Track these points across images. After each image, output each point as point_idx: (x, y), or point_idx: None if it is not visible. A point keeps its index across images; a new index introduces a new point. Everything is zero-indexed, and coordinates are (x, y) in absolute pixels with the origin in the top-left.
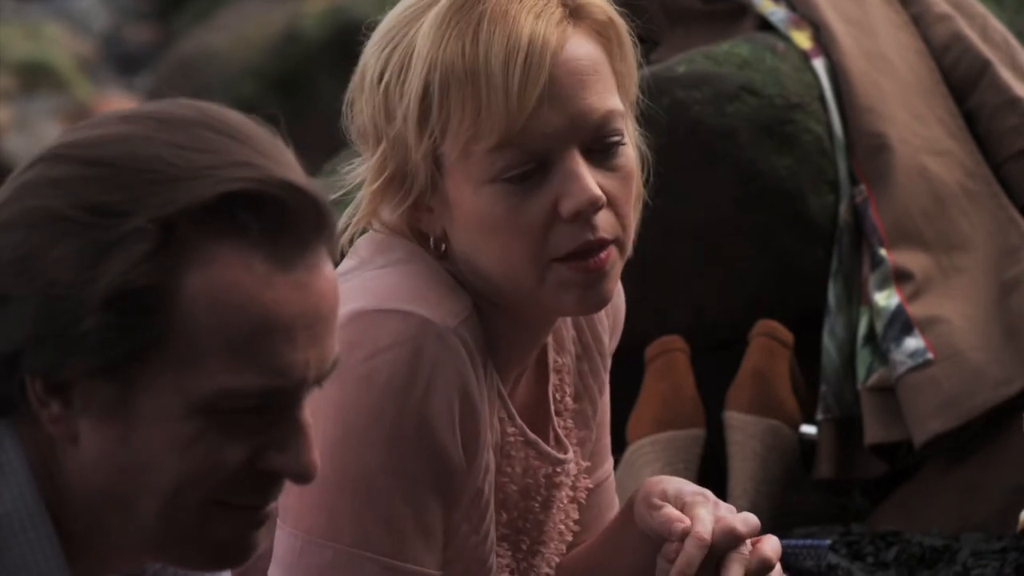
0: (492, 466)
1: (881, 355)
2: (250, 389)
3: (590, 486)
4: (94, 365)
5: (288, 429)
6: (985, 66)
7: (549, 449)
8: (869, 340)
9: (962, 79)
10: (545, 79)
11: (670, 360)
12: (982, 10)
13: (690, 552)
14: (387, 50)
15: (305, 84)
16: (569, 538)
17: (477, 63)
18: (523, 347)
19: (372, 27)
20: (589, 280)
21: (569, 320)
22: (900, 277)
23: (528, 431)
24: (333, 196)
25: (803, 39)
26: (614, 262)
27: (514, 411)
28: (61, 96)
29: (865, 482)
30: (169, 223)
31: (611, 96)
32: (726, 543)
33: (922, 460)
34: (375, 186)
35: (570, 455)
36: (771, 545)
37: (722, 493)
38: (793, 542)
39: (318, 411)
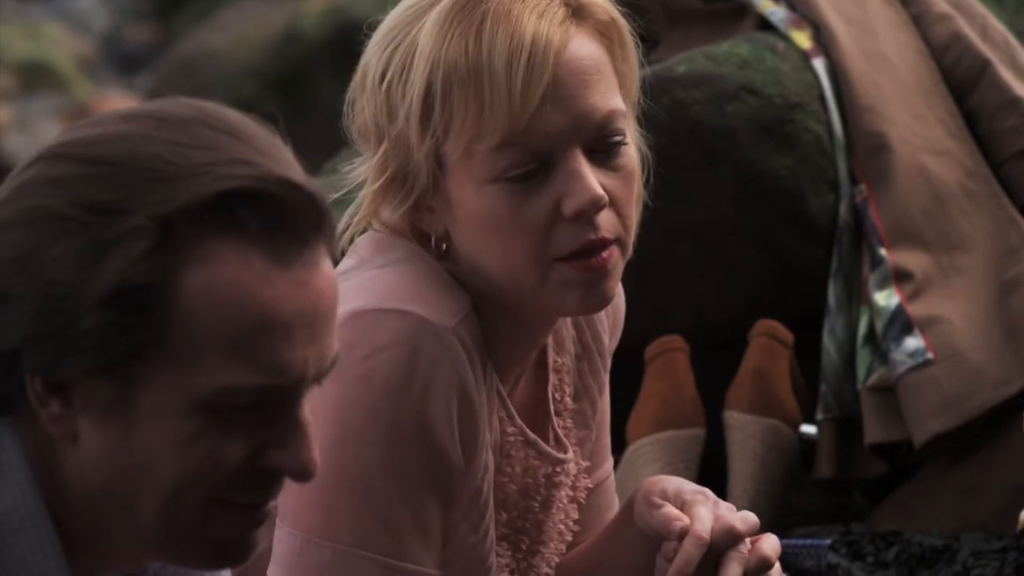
0: (491, 466)
1: (881, 355)
2: (249, 387)
3: (590, 486)
4: (93, 364)
5: (288, 427)
6: (985, 66)
7: (549, 449)
8: (869, 340)
9: (962, 79)
10: (548, 79)
11: (670, 360)
12: (982, 10)
13: (689, 551)
14: (389, 49)
15: (305, 84)
16: (569, 538)
17: (480, 62)
18: (523, 347)
19: (373, 27)
20: (591, 279)
21: (569, 320)
22: (900, 277)
23: (528, 431)
24: (334, 196)
25: (803, 39)
26: (616, 262)
27: (513, 411)
28: (61, 96)
29: (865, 482)
30: (168, 221)
31: (613, 96)
32: (725, 542)
33: (922, 460)
34: (376, 185)
35: (570, 455)
36: (770, 544)
37: (722, 493)
38: (793, 542)
39: (317, 410)
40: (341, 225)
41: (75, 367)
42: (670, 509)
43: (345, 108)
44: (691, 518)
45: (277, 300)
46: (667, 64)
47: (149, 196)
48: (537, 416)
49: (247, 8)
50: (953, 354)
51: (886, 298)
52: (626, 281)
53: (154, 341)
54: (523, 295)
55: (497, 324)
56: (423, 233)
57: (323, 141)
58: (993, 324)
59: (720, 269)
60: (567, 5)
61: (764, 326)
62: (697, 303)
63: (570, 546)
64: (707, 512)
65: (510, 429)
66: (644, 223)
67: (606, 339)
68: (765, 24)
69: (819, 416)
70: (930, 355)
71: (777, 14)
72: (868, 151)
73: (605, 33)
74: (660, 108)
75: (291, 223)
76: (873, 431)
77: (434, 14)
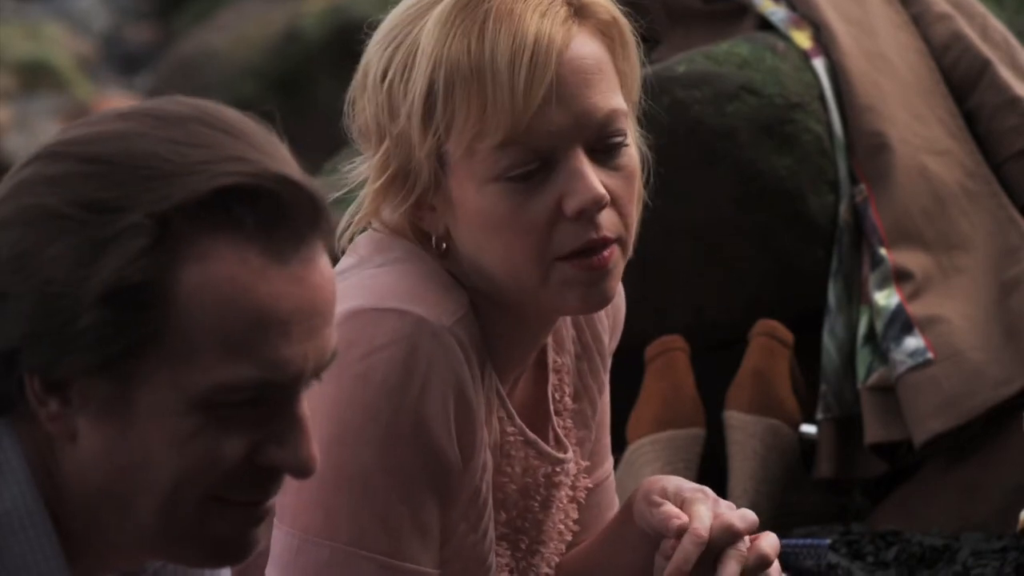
0: (490, 465)
1: (881, 355)
2: (246, 383)
3: (589, 486)
4: (91, 362)
5: (287, 423)
6: (985, 66)
7: (548, 449)
8: (869, 340)
9: (962, 79)
10: (551, 78)
11: (670, 360)
12: (982, 10)
13: (687, 548)
14: (391, 48)
15: (305, 84)
16: (568, 538)
17: (483, 61)
18: (523, 347)
19: (373, 26)
20: (592, 278)
21: (569, 320)
22: (900, 277)
23: (527, 431)
24: (334, 195)
25: (803, 39)
26: (617, 261)
27: (513, 411)
28: (61, 96)
29: (865, 482)
30: (164, 218)
31: (615, 95)
32: (724, 539)
33: (922, 460)
34: (377, 184)
35: (569, 455)
36: (769, 542)
37: (722, 492)
38: (793, 541)
39: (314, 409)
40: (342, 224)
41: (73, 366)
42: (669, 507)
43: (345, 107)
44: (690, 516)
45: (274, 296)
46: (667, 64)
47: (146, 194)
48: (537, 416)
49: (247, 8)
50: (953, 354)
51: (886, 298)
52: (626, 281)
53: (151, 339)
54: (524, 294)
55: (497, 324)
56: (423, 232)
57: (323, 141)
58: (993, 324)
59: (720, 269)
60: (569, 4)
61: (764, 326)
62: (697, 303)
63: (570, 546)
64: (706, 510)
65: (510, 429)
66: (644, 223)
67: (606, 339)
68: (765, 24)
69: (819, 416)
70: (930, 355)
71: (777, 14)
72: (868, 151)
73: (607, 32)
74: (660, 108)
75: (288, 219)
76: (873, 431)
77: (436, 13)
